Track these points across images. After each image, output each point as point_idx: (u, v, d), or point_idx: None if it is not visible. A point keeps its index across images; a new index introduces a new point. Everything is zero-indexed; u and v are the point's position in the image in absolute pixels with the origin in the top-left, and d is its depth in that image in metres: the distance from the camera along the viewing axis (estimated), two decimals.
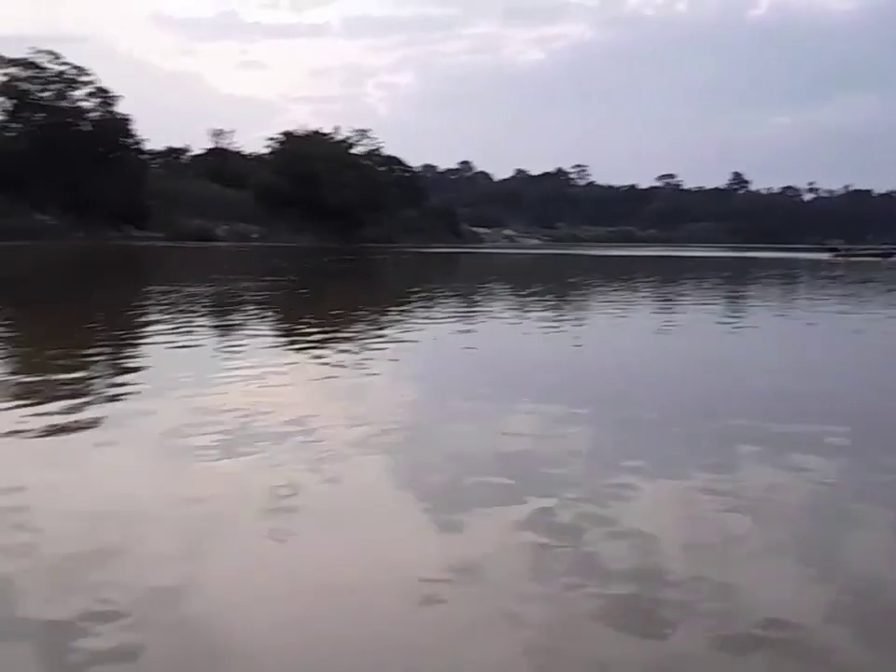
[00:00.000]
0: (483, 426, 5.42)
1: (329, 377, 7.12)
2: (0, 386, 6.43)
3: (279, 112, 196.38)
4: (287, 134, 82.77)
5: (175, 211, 61.91)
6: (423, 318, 12.64)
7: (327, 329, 10.93)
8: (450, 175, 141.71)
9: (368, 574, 3.09)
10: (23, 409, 5.56)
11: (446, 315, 13.33)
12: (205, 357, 8.14)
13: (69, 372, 7.05)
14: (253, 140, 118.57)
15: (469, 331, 10.82)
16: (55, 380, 6.73)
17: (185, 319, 11.29)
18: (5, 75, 59.61)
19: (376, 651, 2.60)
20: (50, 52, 60.81)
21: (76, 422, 5.24)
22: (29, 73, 60.11)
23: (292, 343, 9.48)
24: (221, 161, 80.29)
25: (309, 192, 72.96)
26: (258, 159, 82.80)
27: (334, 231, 71.67)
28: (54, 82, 60.96)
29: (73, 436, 4.94)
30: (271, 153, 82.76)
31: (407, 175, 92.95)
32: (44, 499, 3.83)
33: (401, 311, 14.25)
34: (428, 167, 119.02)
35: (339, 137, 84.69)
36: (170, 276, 24.94)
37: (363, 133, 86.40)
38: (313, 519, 3.64)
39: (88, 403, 5.83)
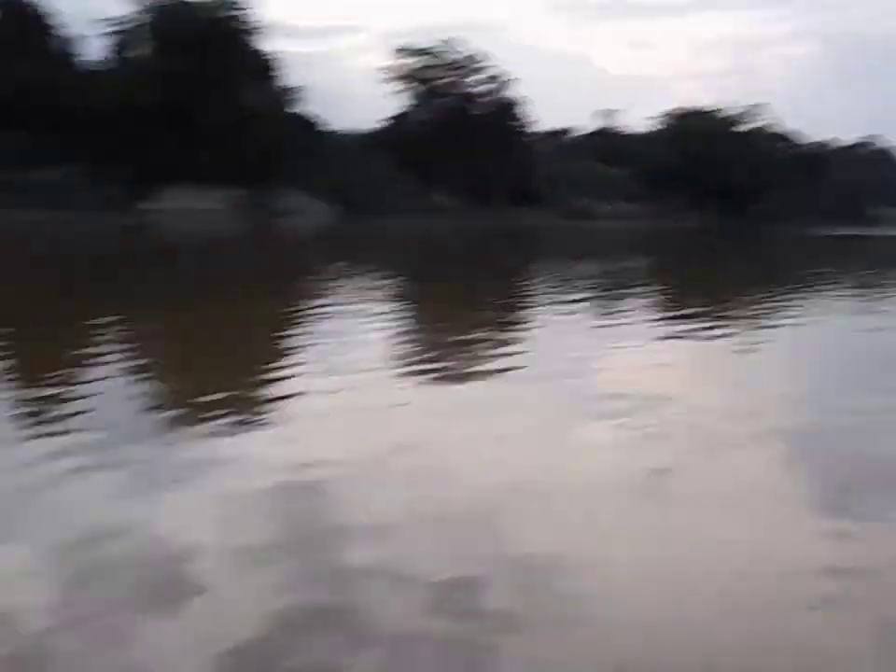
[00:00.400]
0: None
1: (717, 359, 6.86)
2: (399, 355, 6.92)
3: (667, 90, 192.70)
4: (674, 112, 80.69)
5: (562, 190, 63.12)
6: (819, 306, 11.76)
7: (713, 309, 10.58)
8: (851, 152, 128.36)
9: (747, 569, 2.83)
10: (411, 378, 5.85)
11: (850, 304, 12.59)
12: (590, 333, 8.20)
13: (463, 339, 7.42)
14: (640, 119, 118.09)
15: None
16: (449, 348, 7.03)
17: (576, 297, 11.37)
18: (417, 64, 64.94)
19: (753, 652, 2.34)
20: (450, 40, 65.14)
21: (459, 394, 5.38)
22: (433, 61, 64.94)
23: (677, 323, 9.17)
24: (607, 142, 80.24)
25: (695, 171, 70.55)
26: (643, 138, 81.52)
27: (720, 212, 68.53)
28: (454, 69, 65.18)
29: (459, 404, 5.05)
30: (657, 132, 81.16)
31: (803, 151, 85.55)
32: (442, 458, 3.96)
33: (792, 297, 13.35)
34: (826, 143, 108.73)
35: (728, 113, 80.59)
36: (560, 253, 25.58)
37: (755, 107, 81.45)
38: (690, 504, 3.42)
39: (483, 375, 6.00)
